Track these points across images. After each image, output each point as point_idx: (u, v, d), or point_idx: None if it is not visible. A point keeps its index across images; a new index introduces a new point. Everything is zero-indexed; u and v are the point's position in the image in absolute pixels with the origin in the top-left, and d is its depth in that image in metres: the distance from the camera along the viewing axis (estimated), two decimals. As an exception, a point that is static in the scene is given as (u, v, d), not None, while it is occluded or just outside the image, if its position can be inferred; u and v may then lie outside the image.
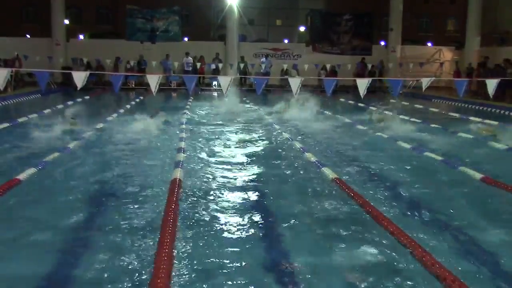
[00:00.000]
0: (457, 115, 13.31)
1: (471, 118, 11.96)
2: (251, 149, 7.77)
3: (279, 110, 12.72)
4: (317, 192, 5.15)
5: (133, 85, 21.74)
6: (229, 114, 12.24)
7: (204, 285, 3.07)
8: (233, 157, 7.05)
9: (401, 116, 11.34)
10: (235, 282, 3.11)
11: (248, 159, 6.91)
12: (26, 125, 9.31)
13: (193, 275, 3.14)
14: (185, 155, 6.71)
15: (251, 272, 3.27)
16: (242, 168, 6.32)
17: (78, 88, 8.20)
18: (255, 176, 5.89)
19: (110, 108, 12.51)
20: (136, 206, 4.51)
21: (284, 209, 4.64)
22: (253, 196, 5.02)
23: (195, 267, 3.26)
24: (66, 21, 25.17)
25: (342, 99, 17.73)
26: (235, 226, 4.09)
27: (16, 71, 16.04)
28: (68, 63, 22.79)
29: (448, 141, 8.58)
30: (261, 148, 7.93)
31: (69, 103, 14.26)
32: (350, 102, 16.90)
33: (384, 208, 4.54)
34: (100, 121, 10.00)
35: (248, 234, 3.92)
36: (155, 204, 4.53)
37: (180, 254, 3.42)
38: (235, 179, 5.71)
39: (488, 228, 4.17)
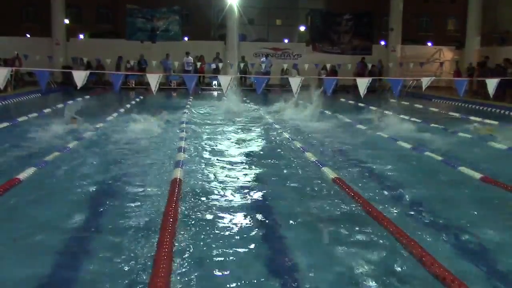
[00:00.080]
0: (457, 114, 13.31)
1: (471, 118, 11.96)
2: (251, 148, 7.77)
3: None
4: (317, 192, 5.15)
5: (133, 85, 21.75)
6: (229, 114, 12.24)
7: (204, 285, 3.07)
8: (233, 156, 7.06)
9: (401, 116, 11.34)
10: (235, 282, 3.11)
11: (248, 158, 6.92)
12: (26, 125, 9.31)
13: (193, 275, 3.15)
14: (185, 154, 6.71)
15: (251, 272, 3.27)
16: (242, 167, 6.32)
17: (78, 87, 8.21)
18: (255, 175, 5.89)
19: (110, 108, 12.51)
20: (136, 205, 4.51)
21: (284, 208, 4.64)
22: (253, 195, 5.02)
23: (195, 266, 3.27)
24: (66, 21, 25.17)
25: (342, 99, 17.73)
26: (235, 226, 4.09)
27: (16, 70, 16.03)
28: (68, 62, 22.80)
29: (448, 141, 8.57)
30: (261, 147, 7.93)
31: (69, 102, 14.25)
32: (350, 102, 16.91)
33: (384, 207, 4.54)
34: (100, 120, 10.00)
35: (248, 233, 3.93)
36: (155, 203, 4.53)
37: (180, 253, 3.42)
38: (236, 178, 5.71)
39: (487, 227, 4.16)
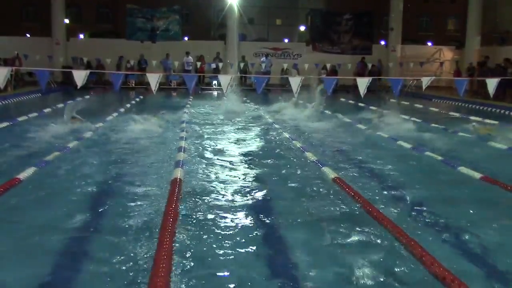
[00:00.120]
0: (457, 114, 13.32)
1: (472, 117, 11.95)
2: (251, 148, 7.77)
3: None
4: (318, 192, 5.15)
5: (133, 85, 21.77)
6: (230, 114, 12.23)
7: (204, 284, 3.08)
8: (233, 156, 7.06)
9: (401, 116, 11.34)
10: (235, 282, 3.12)
11: (248, 158, 6.92)
12: (27, 124, 9.31)
13: (193, 274, 3.15)
14: (185, 154, 6.71)
15: (251, 272, 3.27)
16: (242, 167, 6.33)
17: (79, 87, 8.21)
18: (255, 175, 5.89)
19: (110, 107, 12.50)
20: (136, 205, 4.51)
21: (284, 208, 4.64)
22: (253, 195, 5.02)
23: (195, 266, 3.27)
24: (66, 20, 25.19)
25: (342, 99, 17.73)
26: (235, 226, 4.09)
27: (16, 70, 16.05)
28: (68, 62, 22.81)
29: (448, 140, 8.58)
30: (261, 147, 7.93)
31: (70, 102, 14.25)
32: (350, 101, 16.91)
33: (384, 207, 4.54)
34: (101, 120, 10.00)
35: (248, 233, 3.92)
36: (155, 203, 4.53)
37: (180, 253, 3.42)
38: (236, 178, 5.71)
39: (487, 227, 4.16)
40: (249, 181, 5.60)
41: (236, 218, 4.28)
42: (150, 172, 5.81)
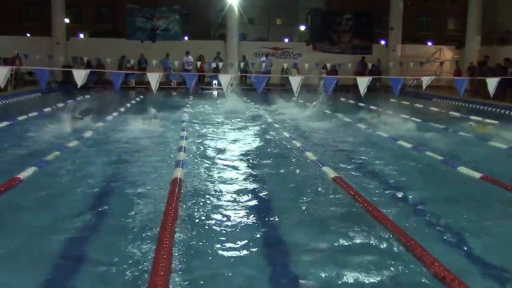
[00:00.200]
0: (457, 114, 13.31)
1: (472, 117, 11.95)
2: (251, 148, 7.77)
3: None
4: (318, 191, 5.15)
5: (133, 84, 21.77)
6: (230, 113, 12.24)
7: (203, 284, 3.08)
8: (233, 156, 7.06)
9: (401, 115, 11.34)
10: (235, 281, 3.12)
11: (249, 158, 6.92)
12: (27, 124, 9.31)
13: (192, 274, 3.15)
14: (185, 154, 6.71)
15: (251, 271, 3.27)
16: (242, 167, 6.32)
17: (79, 86, 8.22)
18: (255, 175, 5.89)
19: (110, 107, 12.51)
20: (136, 205, 4.51)
21: (284, 207, 4.64)
22: (253, 195, 5.02)
23: (194, 266, 3.27)
24: (66, 20, 25.18)
25: (342, 98, 17.73)
26: (235, 225, 4.09)
27: (16, 70, 16.05)
28: (68, 62, 22.80)
29: (448, 140, 8.58)
30: (262, 147, 7.93)
31: (70, 101, 14.27)
32: (351, 101, 16.91)
33: (384, 207, 4.53)
34: (101, 120, 10.00)
35: (248, 233, 3.92)
36: (155, 203, 4.53)
37: (180, 252, 3.42)
38: (236, 178, 5.71)
39: (487, 227, 4.17)
40: (249, 181, 5.60)
41: (236, 218, 4.28)
42: (150, 172, 5.81)
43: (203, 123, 10.59)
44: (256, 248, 3.64)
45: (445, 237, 3.91)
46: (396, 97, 14.87)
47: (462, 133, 9.32)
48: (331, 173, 5.61)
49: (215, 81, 21.91)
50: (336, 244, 3.72)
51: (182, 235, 3.73)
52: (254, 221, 4.24)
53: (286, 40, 30.24)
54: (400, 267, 3.29)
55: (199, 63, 22.65)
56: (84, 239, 3.74)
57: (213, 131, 9.48)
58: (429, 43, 29.13)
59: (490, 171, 5.86)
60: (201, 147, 7.60)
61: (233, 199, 4.85)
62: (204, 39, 28.12)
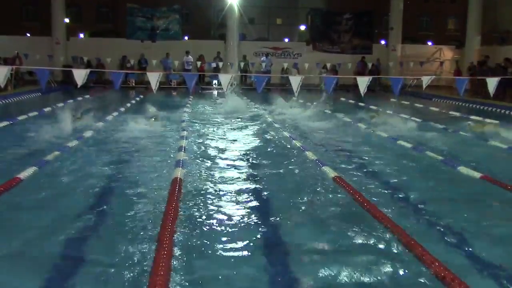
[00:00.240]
0: (457, 114, 13.31)
1: (472, 117, 11.95)
2: (251, 147, 7.77)
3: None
4: (318, 191, 5.15)
5: (133, 84, 21.76)
6: (230, 113, 12.24)
7: (203, 284, 3.08)
8: (234, 155, 7.06)
9: (401, 115, 11.34)
10: (235, 281, 3.12)
11: (249, 157, 6.92)
12: (27, 124, 9.32)
13: (192, 274, 3.15)
14: (185, 154, 6.70)
15: (251, 271, 3.27)
16: (242, 166, 6.32)
17: (79, 86, 8.21)
18: (255, 175, 5.89)
19: (110, 107, 12.51)
20: (136, 205, 4.51)
21: (285, 207, 4.64)
22: (253, 194, 5.02)
23: (194, 265, 3.27)
24: (66, 20, 25.17)
25: (342, 98, 17.72)
26: (235, 225, 4.09)
27: (16, 69, 16.05)
28: (68, 61, 22.79)
29: (448, 140, 8.58)
30: (262, 146, 7.93)
31: (70, 101, 14.27)
32: (351, 101, 16.90)
33: (384, 206, 4.53)
34: (101, 119, 10.00)
35: (248, 233, 3.92)
36: (155, 203, 4.53)
37: (180, 252, 3.42)
38: (236, 178, 5.71)
39: (487, 227, 4.17)
40: (249, 181, 5.60)
41: (236, 218, 4.28)
42: (150, 172, 5.81)
43: (203, 123, 10.59)
44: (256, 248, 3.64)
45: (445, 237, 3.91)
46: (396, 97, 14.87)
47: (462, 133, 9.32)
48: (331, 173, 5.61)
49: (215, 81, 21.91)
50: (336, 244, 3.72)
51: (182, 235, 3.73)
52: (254, 221, 4.23)
53: (286, 40, 30.24)
54: (400, 267, 3.29)
55: (199, 63, 22.64)
56: (84, 239, 3.74)
57: (213, 130, 9.48)
58: (429, 43, 29.12)
59: (490, 171, 5.86)
60: (201, 147, 7.60)
61: (233, 199, 4.85)
62: (204, 39, 28.11)
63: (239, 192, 5.09)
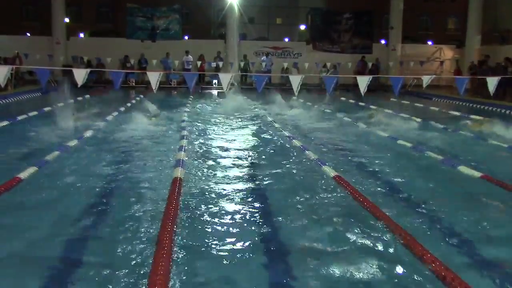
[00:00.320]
0: (457, 113, 13.30)
1: (472, 116, 11.95)
2: (252, 147, 7.77)
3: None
4: (318, 190, 5.15)
5: (134, 84, 21.76)
6: (230, 112, 12.23)
7: (203, 283, 3.08)
8: (234, 155, 7.06)
9: (401, 114, 11.34)
10: (234, 281, 3.12)
11: (249, 157, 6.92)
12: (27, 123, 9.31)
13: (192, 274, 3.15)
14: (185, 153, 6.70)
15: (251, 271, 3.27)
16: (243, 166, 6.32)
17: (79, 86, 8.21)
18: (256, 174, 5.89)
19: (110, 107, 12.51)
20: (136, 204, 4.51)
21: (285, 207, 4.64)
22: (253, 194, 5.02)
23: (194, 265, 3.27)
24: (66, 20, 25.18)
25: (342, 98, 17.72)
26: (235, 225, 4.09)
27: (16, 69, 16.05)
28: (68, 61, 22.79)
29: (448, 139, 8.58)
30: (262, 146, 7.93)
31: (70, 101, 14.26)
32: (351, 100, 16.90)
33: (384, 206, 4.53)
34: (101, 119, 10.00)
35: (248, 233, 3.93)
36: (156, 202, 4.53)
37: (180, 252, 3.42)
38: (236, 177, 5.71)
39: (487, 226, 4.17)
40: (249, 180, 5.60)
41: (236, 217, 4.28)
42: (150, 171, 5.81)
43: (203, 122, 10.59)
44: (256, 248, 3.64)
45: (445, 236, 3.90)
46: (396, 97, 14.86)
47: (462, 133, 9.31)
48: (331, 172, 5.61)
49: (215, 81, 21.90)
50: (336, 243, 3.72)
51: (182, 235, 3.73)
52: (254, 220, 4.23)
53: (286, 40, 30.22)
54: (400, 267, 3.29)
55: (199, 63, 22.64)
56: (84, 239, 3.74)
57: (214, 130, 9.48)
58: (429, 43, 29.10)
59: (490, 170, 5.86)
60: (202, 147, 7.60)
61: (233, 198, 4.85)
62: (204, 39, 28.10)
63: (239, 191, 5.09)
